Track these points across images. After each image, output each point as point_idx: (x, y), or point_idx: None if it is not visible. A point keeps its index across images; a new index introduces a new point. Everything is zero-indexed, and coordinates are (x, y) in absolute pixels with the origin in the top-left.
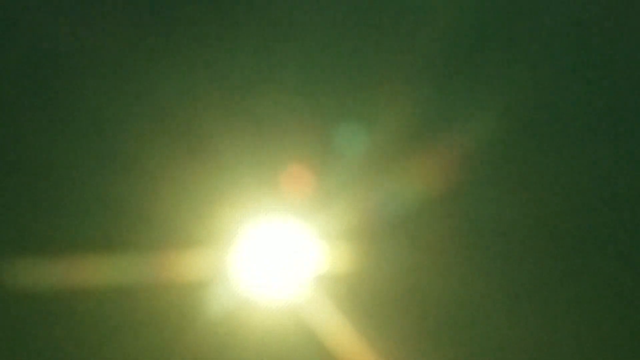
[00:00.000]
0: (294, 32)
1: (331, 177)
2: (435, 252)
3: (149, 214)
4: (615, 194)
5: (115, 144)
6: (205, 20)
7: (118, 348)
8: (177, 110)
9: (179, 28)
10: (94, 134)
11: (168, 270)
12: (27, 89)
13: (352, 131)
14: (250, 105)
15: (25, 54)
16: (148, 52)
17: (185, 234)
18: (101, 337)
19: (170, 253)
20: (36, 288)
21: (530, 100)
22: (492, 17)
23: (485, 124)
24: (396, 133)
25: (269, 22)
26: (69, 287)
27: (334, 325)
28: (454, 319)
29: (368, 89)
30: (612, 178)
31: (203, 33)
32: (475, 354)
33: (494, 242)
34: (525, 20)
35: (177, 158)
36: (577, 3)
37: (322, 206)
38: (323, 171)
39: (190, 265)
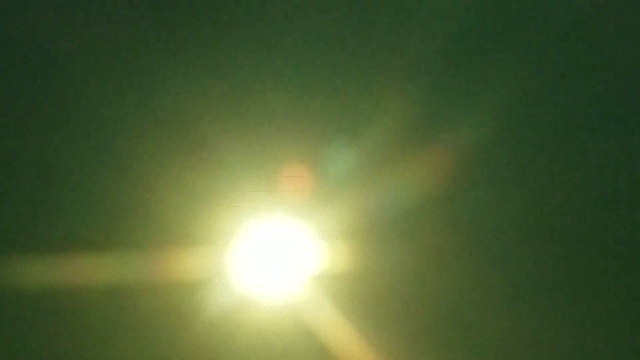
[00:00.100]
0: (292, 32)
1: (330, 177)
2: (434, 251)
3: (148, 213)
4: (614, 192)
5: (115, 143)
6: (204, 20)
7: (117, 346)
8: (176, 109)
9: (178, 28)
10: (94, 133)
11: (167, 269)
12: (28, 89)
13: (350, 131)
14: (249, 105)
15: (25, 53)
16: (147, 52)
17: (184, 233)
18: (100, 336)
19: (170, 252)
20: (35, 286)
21: (528, 99)
22: (490, 16)
23: (483, 123)
24: (395, 132)
25: (268, 22)
26: (68, 285)
27: (332, 323)
28: (452, 318)
29: (366, 89)
30: (610, 177)
31: (202, 33)
32: (474, 353)
33: (492, 241)
34: (522, 19)
35: (176, 157)
36: (575, 2)
37: (321, 205)
38: (321, 170)
39: (189, 264)
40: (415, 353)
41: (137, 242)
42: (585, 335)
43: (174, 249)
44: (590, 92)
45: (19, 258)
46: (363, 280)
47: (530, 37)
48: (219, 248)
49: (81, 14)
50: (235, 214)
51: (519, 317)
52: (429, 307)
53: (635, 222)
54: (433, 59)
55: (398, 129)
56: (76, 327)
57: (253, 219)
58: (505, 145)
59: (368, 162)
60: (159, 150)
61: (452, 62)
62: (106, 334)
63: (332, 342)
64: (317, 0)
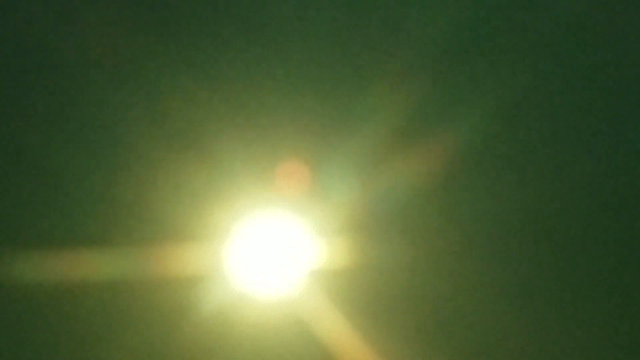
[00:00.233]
0: (289, 29)
1: (327, 173)
2: (431, 247)
3: (146, 209)
4: (612, 190)
5: (112, 140)
6: (201, 18)
7: (114, 342)
8: (173, 106)
9: (176, 25)
10: (91, 130)
11: (165, 266)
12: (27, 87)
13: (347, 127)
14: (247, 102)
15: (25, 51)
16: (143, 49)
17: (181, 229)
18: (97, 332)
19: (167, 248)
20: (32, 282)
21: (525, 96)
22: (487, 15)
23: (480, 120)
24: (391, 129)
25: (265, 20)
26: (65, 281)
27: (329, 320)
28: (450, 314)
29: (363, 86)
30: (606, 174)
31: (199, 30)
32: (471, 349)
33: (489, 237)
34: (519, 16)
35: (173, 154)
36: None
37: (318, 202)
38: (318, 167)
39: (186, 260)
40: (413, 349)
41: (135, 239)
42: (584, 333)
43: (172, 246)
44: (588, 90)
45: (16, 254)
46: (360, 277)
47: (527, 36)
48: (216, 244)
49: (81, 13)
50: (232, 210)
51: (517, 313)
52: (426, 303)
53: (635, 220)
54: (430, 57)
55: (395, 126)
56: (73, 323)
57: (250, 216)
58: (503, 143)
59: (365, 158)
60: (157, 147)
61: (449, 59)
62: (103, 330)
63: (329, 339)
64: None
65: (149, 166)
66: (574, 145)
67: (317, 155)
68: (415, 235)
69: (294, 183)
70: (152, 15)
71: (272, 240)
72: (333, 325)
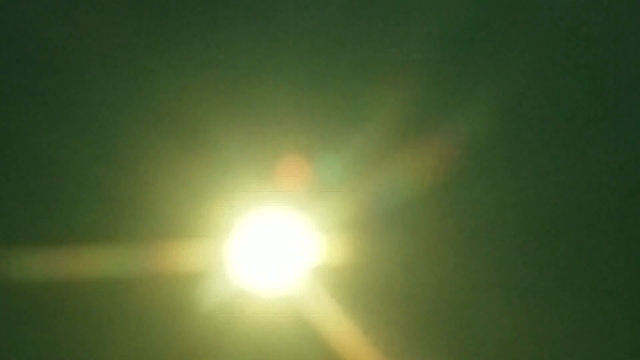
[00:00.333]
0: (290, 25)
1: (327, 170)
2: (432, 244)
3: (146, 206)
4: (612, 187)
5: (111, 137)
6: (201, 14)
7: (114, 339)
8: (173, 102)
9: (175, 22)
10: (91, 126)
11: (164, 263)
12: (26, 83)
13: (348, 124)
14: (247, 98)
15: (23, 48)
16: (143, 45)
17: (181, 226)
18: (97, 328)
19: (167, 245)
20: (32, 279)
21: (525, 94)
22: (487, 10)
23: (480, 117)
24: (392, 126)
25: (265, 17)
26: (64, 278)
27: (330, 317)
28: (450, 311)
29: (364, 83)
30: (608, 172)
31: (198, 26)
32: (472, 346)
33: (489, 235)
34: (520, 13)
35: (173, 150)
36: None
37: (318, 198)
38: (319, 164)
39: (186, 257)
40: (412, 346)
41: (135, 236)
42: (584, 331)
43: (172, 242)
44: (588, 87)
45: (16, 251)
46: (361, 273)
47: (528, 32)
48: (216, 241)
49: (82, 9)
50: (233, 207)
51: (516, 311)
52: (426, 300)
53: (635, 219)
54: (431, 53)
55: (395, 123)
56: (73, 320)
57: (251, 212)
58: (503, 140)
59: (365, 155)
60: (157, 143)
61: (451, 57)
62: (104, 327)
63: (330, 336)
64: None
65: (150, 163)
66: (577, 144)
67: (318, 152)
68: (417, 232)
69: (295, 180)
70: (154, 13)
71: (274, 237)
72: (334, 322)
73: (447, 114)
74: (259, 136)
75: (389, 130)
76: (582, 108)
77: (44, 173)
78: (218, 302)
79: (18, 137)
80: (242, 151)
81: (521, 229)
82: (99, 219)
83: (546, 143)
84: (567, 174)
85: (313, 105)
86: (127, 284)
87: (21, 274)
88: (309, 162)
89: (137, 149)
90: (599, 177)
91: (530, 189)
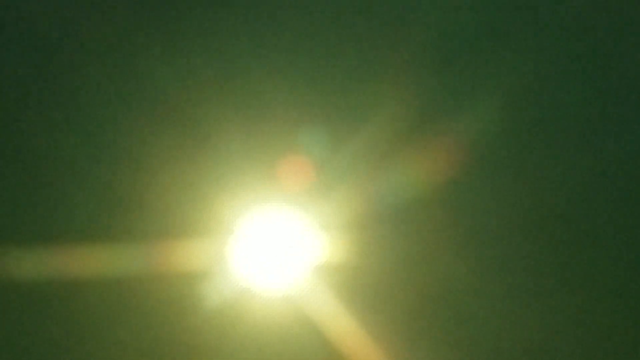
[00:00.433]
0: (292, 24)
1: (330, 169)
2: (434, 244)
3: (148, 205)
4: (615, 187)
5: (115, 135)
6: (203, 14)
7: (117, 338)
8: (176, 101)
9: (178, 21)
10: (94, 125)
11: (167, 261)
12: (28, 81)
13: (351, 123)
14: (249, 97)
15: (24, 45)
16: (147, 44)
17: (184, 224)
18: (100, 327)
19: (169, 244)
20: (35, 278)
21: (529, 93)
22: (492, 9)
23: (484, 115)
24: (395, 125)
25: (268, 16)
26: (67, 277)
27: (332, 316)
28: (452, 311)
29: (367, 82)
30: (611, 171)
31: (202, 26)
32: (474, 345)
33: (492, 235)
34: (524, 13)
35: (176, 149)
36: None
37: (321, 197)
38: (322, 162)
39: (189, 256)
40: (415, 344)
41: (137, 234)
42: (586, 330)
43: (174, 241)
44: (592, 87)
45: (19, 250)
46: (363, 272)
47: (533, 31)
48: (219, 240)
49: (84, 8)
50: (235, 205)
51: (519, 310)
52: (429, 299)
53: (636, 218)
54: (434, 53)
55: (399, 122)
56: (76, 319)
57: (254, 211)
58: (507, 140)
59: (368, 154)
60: (160, 141)
61: (453, 55)
62: (106, 326)
63: (332, 334)
64: None
65: (152, 162)
66: (581, 144)
67: (320, 151)
68: (419, 232)
69: (298, 179)
70: (157, 13)
71: (276, 236)
72: (336, 320)
73: (450, 114)
74: (261, 135)
75: (392, 129)
76: (586, 108)
77: (46, 172)
78: (221, 301)
79: (20, 136)
80: (244, 150)
81: (524, 229)
82: (102, 218)
83: (550, 143)
84: (570, 173)
85: (316, 104)
86: (130, 282)
87: (24, 273)
88: (312, 161)
89: (140, 148)
90: (603, 177)
91: (534, 188)
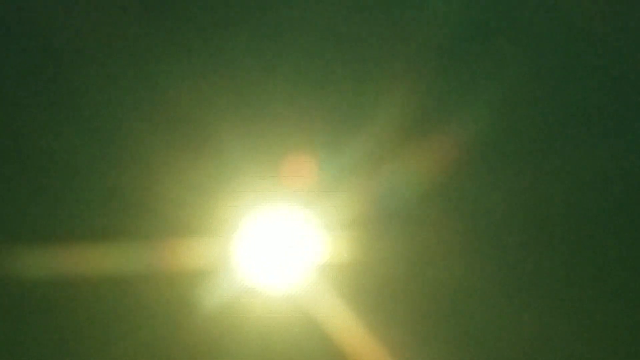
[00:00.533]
0: (294, 25)
1: (332, 168)
2: (437, 242)
3: (152, 204)
4: (613, 186)
5: (118, 134)
6: (205, 13)
7: (120, 337)
8: (178, 100)
9: (180, 21)
10: (96, 124)
11: (170, 260)
12: (31, 81)
13: (353, 122)
14: (252, 96)
15: (29, 47)
16: (149, 44)
17: (188, 223)
18: (103, 326)
19: (173, 243)
20: (38, 277)
21: (529, 92)
22: (490, 9)
23: (484, 115)
24: (397, 124)
25: (269, 15)
26: (71, 276)
27: (335, 314)
28: (455, 309)
29: (368, 81)
30: (609, 170)
31: (204, 25)
32: (477, 343)
33: (494, 233)
34: (522, 13)
35: (179, 148)
36: None
37: (324, 196)
38: (325, 161)
39: (192, 254)
40: (418, 344)
41: (141, 233)
42: (589, 328)
43: (178, 240)
44: (591, 86)
45: (22, 248)
46: (366, 271)
47: (531, 31)
48: (222, 239)
49: (85, 8)
50: (238, 205)
51: (521, 309)
52: (431, 297)
53: (637, 216)
54: (434, 52)
55: (400, 121)
56: (79, 318)
57: (257, 210)
58: (509, 138)
59: (370, 153)
60: (163, 140)
61: (453, 55)
62: (109, 325)
63: (336, 333)
64: None
65: (155, 161)
66: (580, 142)
67: (323, 150)
68: (422, 230)
69: (301, 177)
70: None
71: (279, 235)
72: (340, 319)
73: (451, 113)
74: (264, 135)
75: (394, 128)
76: (585, 107)
77: (50, 172)
78: (224, 300)
79: (24, 136)
80: (247, 149)
81: (526, 227)
82: (105, 218)
83: (550, 141)
84: (570, 171)
85: (318, 104)
86: (133, 281)
87: (27, 272)
88: (315, 160)
89: (143, 148)
90: (602, 175)
91: (535, 187)
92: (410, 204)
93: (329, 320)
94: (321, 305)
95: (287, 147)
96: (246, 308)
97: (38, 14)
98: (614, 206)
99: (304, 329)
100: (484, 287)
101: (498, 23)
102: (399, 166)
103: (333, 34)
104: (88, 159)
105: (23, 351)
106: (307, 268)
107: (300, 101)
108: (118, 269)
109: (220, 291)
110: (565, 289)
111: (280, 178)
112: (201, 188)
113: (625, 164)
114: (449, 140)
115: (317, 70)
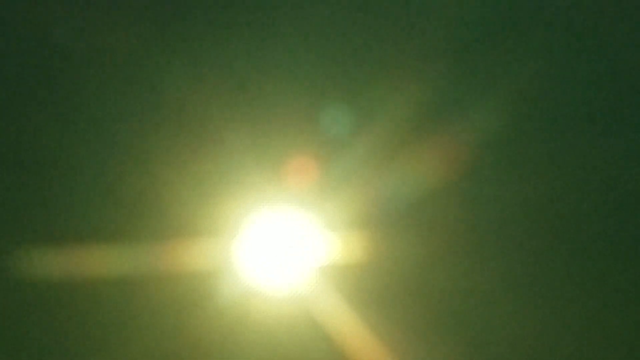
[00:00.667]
0: (298, 24)
1: (336, 169)
2: (441, 243)
3: (155, 205)
4: (620, 188)
5: (121, 136)
6: (209, 13)
7: (124, 338)
8: (181, 102)
9: (183, 22)
10: (100, 126)
11: (174, 261)
12: (34, 82)
13: (357, 122)
14: (255, 97)
15: (31, 47)
16: (152, 45)
17: (191, 224)
18: (107, 327)
19: (176, 244)
20: (43, 278)
21: (534, 93)
22: (497, 9)
23: (489, 116)
24: (401, 125)
25: (273, 15)
26: (75, 277)
27: (338, 315)
28: (459, 310)
29: (373, 81)
30: (616, 172)
31: (207, 26)
32: (481, 345)
33: (499, 233)
34: (530, 13)
35: (182, 149)
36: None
37: (327, 197)
38: (328, 162)
39: (196, 256)
40: (423, 344)
41: (144, 234)
42: (595, 329)
43: (181, 241)
44: (596, 88)
45: (27, 250)
46: (370, 272)
47: (539, 33)
48: (226, 240)
49: (87, 9)
50: (241, 206)
51: (526, 309)
52: (435, 299)
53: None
54: (442, 52)
55: (405, 121)
56: (83, 319)
57: (260, 211)
58: (513, 139)
59: (375, 153)
60: (166, 142)
61: (458, 55)
62: (113, 326)
63: (339, 334)
64: None
65: (159, 163)
66: (588, 144)
67: (326, 151)
68: (426, 231)
69: (304, 178)
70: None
71: (282, 236)
72: (343, 320)
73: (457, 113)
74: (268, 135)
75: (398, 129)
76: (591, 107)
77: (54, 173)
78: (227, 301)
79: (29, 138)
80: (251, 150)
81: (532, 229)
82: (109, 219)
83: (556, 144)
84: (577, 174)
85: (323, 104)
86: (136, 282)
87: (31, 274)
88: (318, 160)
89: (147, 149)
90: (609, 177)
91: (542, 187)
92: (414, 206)
93: (333, 321)
94: (324, 306)
95: (290, 148)
96: (249, 309)
97: (39, 15)
98: (622, 210)
99: (308, 330)
100: (488, 289)
101: (506, 25)
102: (403, 167)
103: (338, 36)
104: (91, 161)
105: (27, 352)
106: (310, 269)
107: (304, 102)
108: (122, 271)
109: (223, 292)
110: (572, 292)
111: (283, 179)
112: (204, 190)
113: (633, 167)
114: (453, 142)
115: (321, 72)
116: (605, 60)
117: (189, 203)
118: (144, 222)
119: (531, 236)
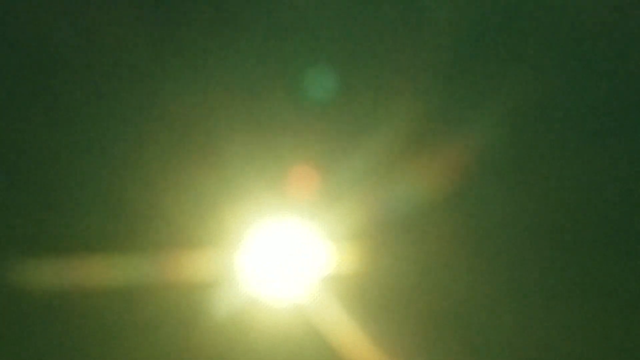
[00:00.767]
0: (300, 31)
1: (338, 179)
2: (442, 252)
3: (157, 215)
4: (619, 192)
5: (122, 145)
6: (210, 20)
7: (125, 348)
8: (183, 111)
9: (184, 29)
10: (101, 135)
11: (176, 271)
12: (33, 89)
13: (359, 132)
14: (257, 106)
15: (30, 52)
16: (153, 52)
17: (193, 235)
18: (108, 338)
19: (178, 254)
20: (44, 288)
21: (536, 101)
22: (500, 17)
23: (491, 124)
24: (403, 134)
25: (276, 22)
26: (76, 287)
27: (340, 325)
28: (460, 319)
29: (375, 90)
30: (618, 178)
31: (207, 33)
32: (483, 353)
33: (500, 242)
34: (532, 21)
35: (184, 159)
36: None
37: (329, 207)
38: (330, 172)
39: (198, 266)
40: (423, 354)
41: (146, 244)
42: (590, 332)
43: (183, 251)
44: (598, 94)
45: (28, 260)
46: (371, 282)
47: (539, 39)
48: (227, 250)
49: (87, 12)
50: (244, 216)
51: (527, 318)
52: (436, 308)
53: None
54: (441, 61)
55: (406, 130)
56: (84, 329)
57: (261, 221)
58: (513, 147)
59: (376, 163)
60: (167, 152)
61: (460, 64)
62: (115, 336)
63: (340, 344)
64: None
65: (161, 172)
66: (589, 150)
67: (328, 161)
68: (427, 240)
69: (306, 189)
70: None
71: (284, 246)
72: (345, 329)
73: (458, 122)
74: (270, 145)
75: (400, 138)
76: (593, 114)
77: (55, 182)
78: (229, 311)
79: (29, 146)
80: (254, 160)
81: (534, 236)
82: (111, 229)
83: (559, 151)
84: (579, 179)
85: (324, 114)
86: (138, 292)
87: (33, 283)
88: (320, 171)
89: (149, 159)
90: (611, 183)
91: (542, 195)
92: (415, 216)
93: (334, 331)
94: (326, 316)
95: (292, 158)
96: (251, 319)
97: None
98: (623, 216)
99: (310, 339)
100: (490, 297)
101: (508, 31)
102: (404, 176)
103: (340, 42)
104: (93, 170)
105: None
106: (312, 279)
107: (305, 111)
108: (123, 281)
109: (225, 302)
110: (574, 297)
111: (285, 189)
112: (207, 199)
113: (633, 174)
114: (455, 150)
115: (323, 80)
116: (614, 67)
117: (191, 213)
118: (146, 232)
119: (535, 244)
